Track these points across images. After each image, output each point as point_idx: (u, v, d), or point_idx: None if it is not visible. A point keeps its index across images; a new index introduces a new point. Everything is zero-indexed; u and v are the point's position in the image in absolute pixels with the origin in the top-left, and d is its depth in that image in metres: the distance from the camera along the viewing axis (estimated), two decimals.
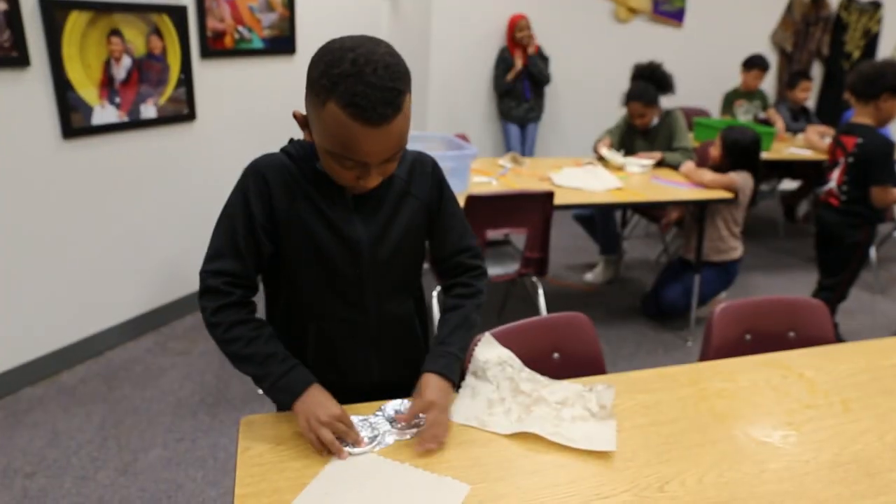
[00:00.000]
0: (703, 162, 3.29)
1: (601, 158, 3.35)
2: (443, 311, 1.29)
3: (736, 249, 3.20)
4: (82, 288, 2.67)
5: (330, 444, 1.05)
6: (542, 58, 4.75)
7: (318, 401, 1.09)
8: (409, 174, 1.19)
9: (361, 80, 0.92)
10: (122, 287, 2.83)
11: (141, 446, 2.23)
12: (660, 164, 3.35)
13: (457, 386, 1.23)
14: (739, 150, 3.07)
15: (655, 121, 3.41)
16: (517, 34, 4.59)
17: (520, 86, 4.75)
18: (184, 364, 2.73)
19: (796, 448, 1.14)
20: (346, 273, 1.16)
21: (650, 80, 3.39)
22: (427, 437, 1.09)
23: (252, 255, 1.13)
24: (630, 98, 3.36)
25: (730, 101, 4.84)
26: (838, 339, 1.69)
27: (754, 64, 4.67)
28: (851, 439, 1.17)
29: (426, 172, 1.22)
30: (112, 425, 2.33)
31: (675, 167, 3.31)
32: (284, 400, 1.11)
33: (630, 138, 3.53)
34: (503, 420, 1.17)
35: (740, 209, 3.12)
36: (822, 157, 4.11)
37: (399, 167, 1.17)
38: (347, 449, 1.07)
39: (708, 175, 3.02)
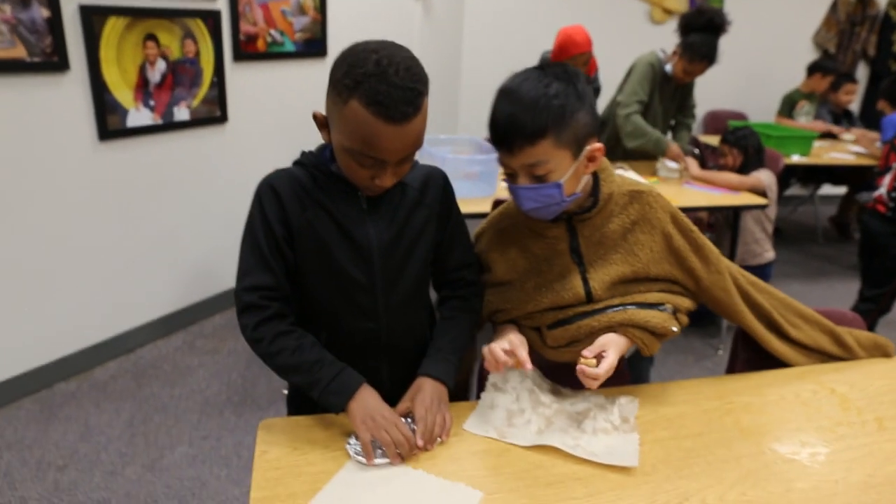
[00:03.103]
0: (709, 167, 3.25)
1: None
2: (439, 320, 1.30)
3: (769, 251, 3.12)
4: (114, 286, 2.73)
5: (388, 445, 1.06)
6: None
7: (373, 404, 1.12)
8: (422, 186, 1.21)
9: (384, 80, 0.96)
10: (153, 286, 2.89)
11: (168, 443, 2.27)
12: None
13: (452, 391, 1.22)
14: (754, 150, 3.02)
15: None
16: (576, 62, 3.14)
17: None
18: (211, 363, 2.77)
19: (826, 467, 1.10)
20: (358, 279, 1.16)
21: (708, 31, 2.95)
22: (423, 436, 1.10)
23: (281, 267, 1.15)
24: (704, 57, 2.95)
25: (791, 102, 4.69)
26: None
27: (825, 68, 4.56)
28: (886, 459, 1.13)
29: (438, 185, 1.24)
30: (140, 422, 2.38)
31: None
32: (337, 403, 1.12)
33: (653, 88, 3.17)
34: (523, 432, 1.15)
35: (772, 207, 3.05)
36: (865, 162, 3.99)
37: (413, 179, 1.20)
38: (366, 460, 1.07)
39: (734, 178, 2.95)
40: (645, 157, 3.27)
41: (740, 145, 3.03)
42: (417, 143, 1.04)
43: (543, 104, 1.07)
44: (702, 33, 2.97)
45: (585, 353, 1.16)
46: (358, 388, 1.13)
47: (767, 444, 1.15)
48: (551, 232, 1.25)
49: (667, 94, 3.26)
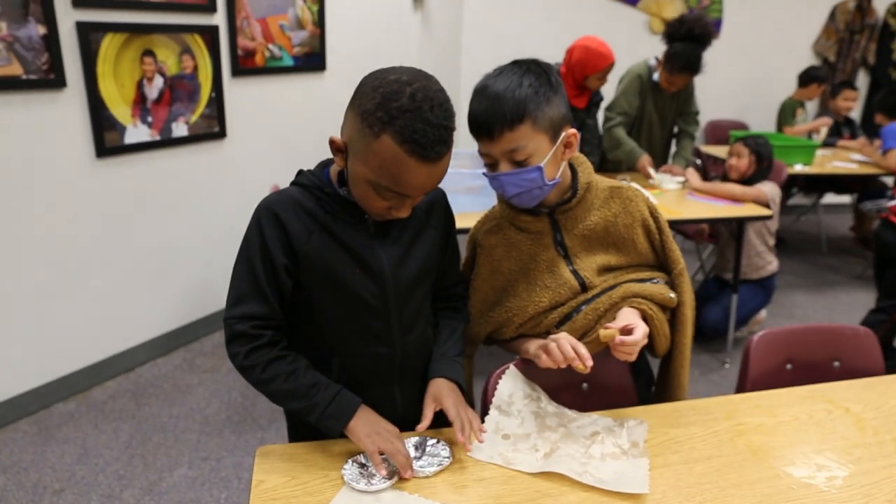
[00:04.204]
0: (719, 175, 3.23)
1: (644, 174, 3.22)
2: (438, 328, 1.30)
3: (772, 263, 3.10)
4: (113, 304, 2.70)
5: (396, 454, 1.05)
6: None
7: (374, 420, 1.11)
8: (428, 207, 1.20)
9: (420, 117, 0.94)
10: (152, 303, 2.86)
11: (167, 465, 2.23)
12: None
13: (465, 392, 1.22)
14: (767, 160, 3.00)
15: None
16: (596, 81, 2.93)
17: None
18: (211, 381, 2.74)
19: (844, 492, 1.06)
20: (371, 303, 1.14)
21: (692, 41, 2.92)
22: (463, 431, 1.10)
23: (276, 296, 1.11)
24: (684, 69, 2.94)
25: (791, 110, 4.68)
26: (892, 366, 1.59)
27: (820, 78, 4.58)
28: None
29: (442, 206, 1.24)
30: (139, 443, 2.34)
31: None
32: (335, 427, 1.09)
33: (643, 98, 3.18)
34: (528, 458, 1.11)
35: (774, 220, 3.02)
36: (868, 171, 3.96)
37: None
38: (363, 487, 1.03)
39: (737, 189, 2.91)
40: None
41: (760, 152, 3.00)
42: (442, 178, 1.04)
43: (520, 92, 1.12)
44: (684, 43, 2.95)
45: (606, 326, 1.18)
46: (356, 410, 1.10)
47: (781, 467, 1.12)
48: (535, 226, 1.28)
49: (662, 101, 3.24)
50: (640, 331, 1.17)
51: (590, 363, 1.13)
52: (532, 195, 1.20)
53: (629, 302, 1.26)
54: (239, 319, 1.10)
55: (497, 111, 1.12)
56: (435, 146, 0.96)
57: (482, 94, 1.15)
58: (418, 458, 1.10)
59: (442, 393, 1.16)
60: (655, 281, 1.32)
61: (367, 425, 1.09)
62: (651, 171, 3.11)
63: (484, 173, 1.22)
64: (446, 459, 1.10)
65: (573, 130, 1.20)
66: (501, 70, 1.17)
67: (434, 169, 0.99)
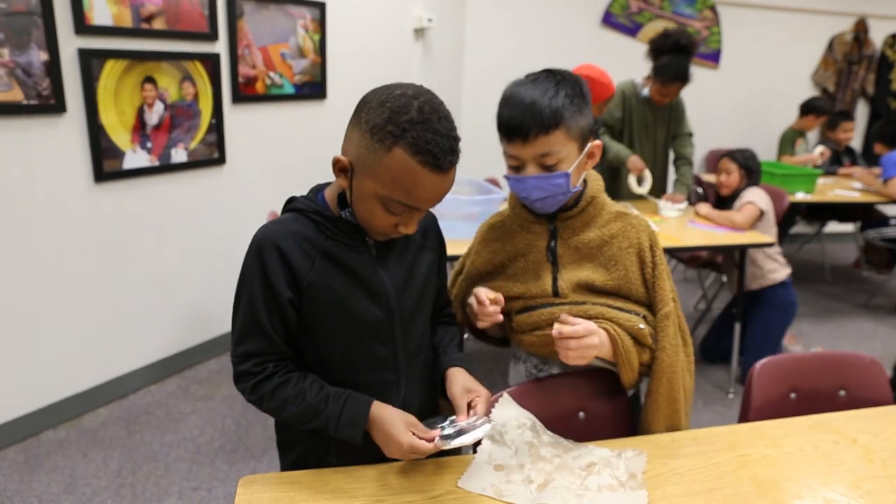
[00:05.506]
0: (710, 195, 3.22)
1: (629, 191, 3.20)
2: (435, 335, 1.30)
3: (777, 271, 3.03)
4: (108, 330, 2.67)
5: (415, 454, 1.04)
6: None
7: (386, 428, 1.06)
8: (423, 229, 1.20)
9: (430, 129, 0.96)
10: (147, 329, 2.83)
11: (156, 495, 2.17)
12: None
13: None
14: (756, 172, 3.02)
15: None
16: (595, 111, 2.99)
17: None
18: (205, 409, 2.69)
19: None
20: (377, 329, 1.12)
21: (679, 52, 3.01)
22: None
23: (279, 330, 1.08)
24: (675, 78, 3.00)
25: (791, 140, 4.70)
26: None
27: (819, 109, 4.61)
28: None
29: (435, 229, 1.25)
30: (129, 472, 2.28)
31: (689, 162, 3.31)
32: (354, 434, 1.07)
33: (627, 112, 3.25)
34: (522, 489, 1.07)
35: (770, 224, 3.00)
36: (870, 199, 3.95)
37: None
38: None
39: (739, 217, 2.89)
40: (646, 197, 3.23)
41: (749, 166, 3.00)
42: (449, 191, 1.04)
43: (557, 100, 1.15)
44: (671, 55, 3.03)
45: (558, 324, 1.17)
46: (368, 412, 1.07)
47: (787, 501, 1.07)
48: (535, 228, 1.31)
49: (648, 117, 3.28)
50: (587, 327, 1.16)
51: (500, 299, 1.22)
52: (556, 200, 1.23)
53: (594, 320, 1.24)
54: (242, 358, 1.09)
55: (534, 115, 1.15)
56: (447, 156, 0.97)
57: (516, 98, 1.18)
58: (453, 437, 1.05)
59: (470, 379, 1.17)
60: (633, 312, 1.27)
61: (381, 434, 1.06)
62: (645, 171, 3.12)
63: (506, 175, 1.25)
64: (486, 424, 1.06)
65: (598, 142, 1.25)
66: (536, 77, 1.20)
67: (444, 180, 1.00)
